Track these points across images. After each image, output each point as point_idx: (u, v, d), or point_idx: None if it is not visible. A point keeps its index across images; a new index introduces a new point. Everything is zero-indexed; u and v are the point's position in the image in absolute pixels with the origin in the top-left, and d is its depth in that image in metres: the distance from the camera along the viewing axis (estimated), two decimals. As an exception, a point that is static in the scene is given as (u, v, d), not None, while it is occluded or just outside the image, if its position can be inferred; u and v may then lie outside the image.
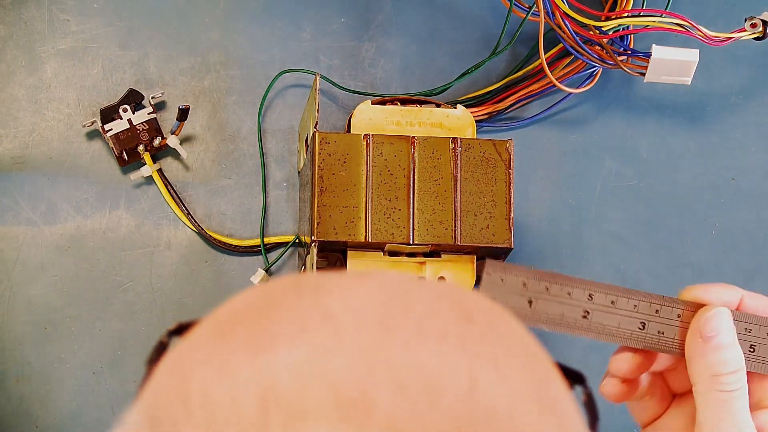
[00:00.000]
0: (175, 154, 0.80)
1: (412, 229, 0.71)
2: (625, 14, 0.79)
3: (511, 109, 0.82)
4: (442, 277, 0.72)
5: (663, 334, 0.54)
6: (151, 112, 0.80)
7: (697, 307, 0.54)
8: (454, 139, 0.72)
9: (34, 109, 0.80)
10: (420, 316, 0.35)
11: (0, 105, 0.80)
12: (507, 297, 0.53)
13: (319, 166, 0.71)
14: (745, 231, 0.82)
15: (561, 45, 0.80)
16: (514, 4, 0.80)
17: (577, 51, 0.78)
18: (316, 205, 0.70)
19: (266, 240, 0.80)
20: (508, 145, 0.73)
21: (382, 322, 0.34)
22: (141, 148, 0.79)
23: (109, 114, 0.79)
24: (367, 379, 0.32)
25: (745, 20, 0.78)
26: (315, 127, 0.72)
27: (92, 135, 0.81)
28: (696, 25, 0.76)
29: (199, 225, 0.80)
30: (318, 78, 0.73)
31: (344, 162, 0.71)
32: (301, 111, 0.81)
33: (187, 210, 0.80)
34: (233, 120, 0.81)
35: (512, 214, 0.72)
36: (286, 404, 0.32)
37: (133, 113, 0.79)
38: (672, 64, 0.77)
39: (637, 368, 0.55)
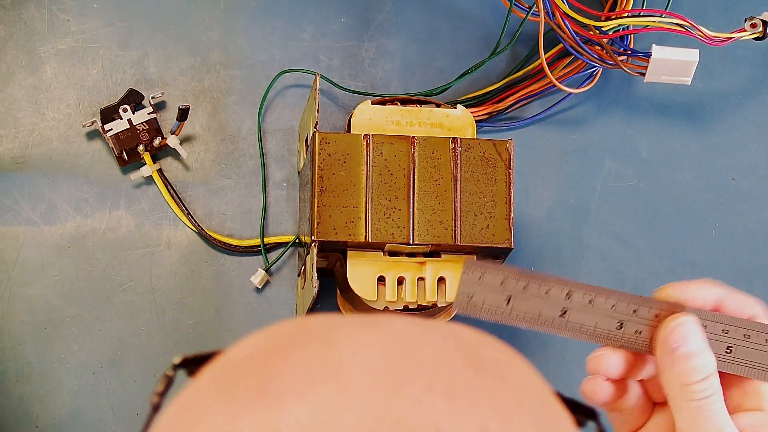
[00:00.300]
0: (175, 154, 0.80)
1: (412, 229, 0.71)
2: (625, 14, 0.79)
3: (511, 109, 0.82)
4: (442, 278, 0.72)
5: (640, 333, 0.54)
6: (151, 112, 0.80)
7: (674, 306, 0.54)
8: (454, 139, 0.72)
9: (34, 109, 0.80)
10: (429, 369, 0.34)
11: (0, 105, 0.80)
12: (485, 294, 0.53)
13: (319, 166, 0.71)
14: (745, 231, 0.82)
15: (561, 45, 0.80)
16: (514, 4, 0.80)
17: (577, 51, 0.78)
18: (316, 205, 0.70)
19: (266, 240, 0.80)
20: (508, 145, 0.73)
21: (390, 377, 0.33)
22: (141, 148, 0.79)
23: (109, 114, 0.79)
24: None
25: (745, 20, 0.78)
26: (315, 127, 0.72)
27: (92, 135, 0.81)
28: (696, 25, 0.76)
29: (199, 225, 0.80)
30: (318, 78, 0.73)
31: (344, 162, 0.71)
32: (301, 111, 0.81)
33: (187, 210, 0.80)
34: (233, 120, 0.81)
35: (512, 214, 0.72)
36: None
37: (133, 113, 0.79)
38: (672, 64, 0.77)
39: (627, 369, 0.55)
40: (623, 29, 0.79)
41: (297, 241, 0.80)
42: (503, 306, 0.53)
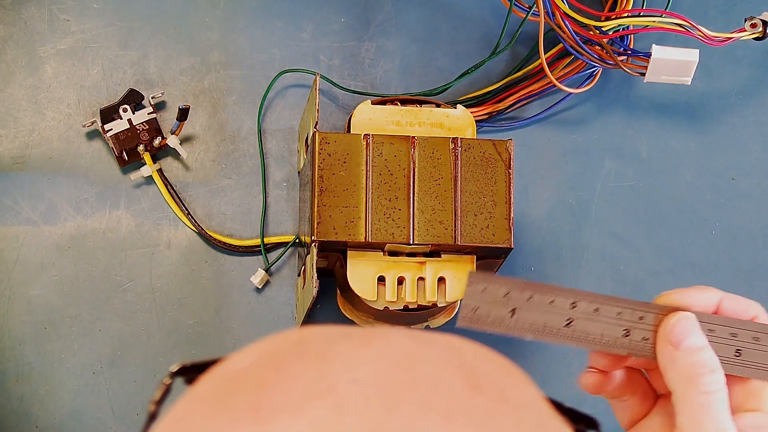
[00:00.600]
0: (175, 154, 0.80)
1: (412, 229, 0.71)
2: (625, 14, 0.79)
3: (511, 109, 0.82)
4: (442, 278, 0.72)
5: (648, 340, 0.54)
6: (151, 112, 0.80)
7: (675, 311, 0.54)
8: (454, 139, 0.72)
9: (34, 109, 0.80)
10: (426, 387, 0.34)
11: (0, 105, 0.80)
12: (489, 307, 0.53)
13: (319, 166, 0.71)
14: (745, 231, 0.82)
15: (561, 45, 0.80)
16: (514, 4, 0.80)
17: (577, 51, 0.78)
18: (316, 205, 0.70)
19: (266, 240, 0.80)
20: (508, 145, 0.73)
21: (386, 396, 0.33)
22: (141, 148, 0.79)
23: (109, 114, 0.79)
24: None
25: (745, 20, 0.78)
26: (315, 127, 0.72)
27: (92, 135, 0.81)
28: (696, 25, 0.76)
29: (199, 225, 0.80)
30: (318, 78, 0.73)
31: (344, 162, 0.71)
32: (301, 111, 0.81)
33: (187, 210, 0.80)
34: (233, 120, 0.81)
35: (512, 214, 0.72)
36: None
37: (133, 113, 0.79)
38: (672, 64, 0.77)
39: (613, 362, 0.55)
40: (623, 29, 0.79)
41: (297, 241, 0.80)
42: (508, 318, 0.53)
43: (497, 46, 0.82)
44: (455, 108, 0.75)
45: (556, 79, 0.80)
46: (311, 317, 0.78)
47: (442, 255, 0.72)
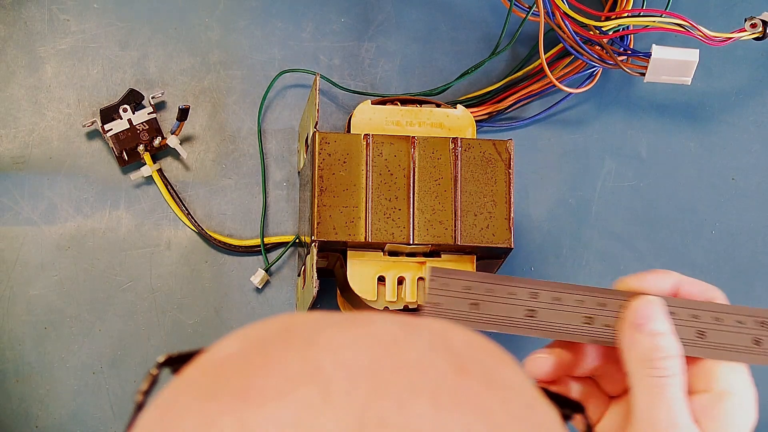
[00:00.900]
0: (175, 154, 0.80)
1: (412, 229, 0.71)
2: (625, 14, 0.79)
3: (511, 109, 0.82)
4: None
5: (609, 327, 0.54)
6: (151, 112, 0.80)
7: (637, 296, 0.54)
8: (454, 139, 0.72)
9: (34, 109, 0.80)
10: (412, 370, 0.34)
11: (0, 105, 0.80)
12: (452, 302, 0.53)
13: (319, 166, 0.71)
14: (745, 231, 0.82)
15: (561, 45, 0.80)
16: (514, 4, 0.80)
17: (577, 51, 0.78)
18: (316, 205, 0.70)
19: (266, 240, 0.80)
20: (508, 145, 0.73)
21: (372, 379, 0.33)
22: (141, 148, 0.79)
23: (109, 114, 0.79)
24: None
25: (745, 20, 0.78)
26: (315, 127, 0.72)
27: (92, 135, 0.81)
28: (696, 25, 0.76)
29: (199, 225, 0.80)
30: (318, 78, 0.73)
31: (344, 162, 0.71)
32: (301, 111, 0.82)
33: (187, 210, 0.80)
34: (233, 120, 0.81)
35: (512, 214, 0.72)
36: None
37: (133, 113, 0.79)
38: (672, 64, 0.77)
39: (556, 369, 0.55)
40: (623, 29, 0.79)
41: (297, 241, 0.80)
42: (470, 311, 0.53)
43: (497, 46, 0.82)
44: (455, 108, 0.75)
45: (556, 79, 0.80)
46: (311, 317, 0.78)
47: (442, 255, 0.72)
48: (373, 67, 0.83)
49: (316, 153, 0.71)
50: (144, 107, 0.80)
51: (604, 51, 0.78)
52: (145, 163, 0.79)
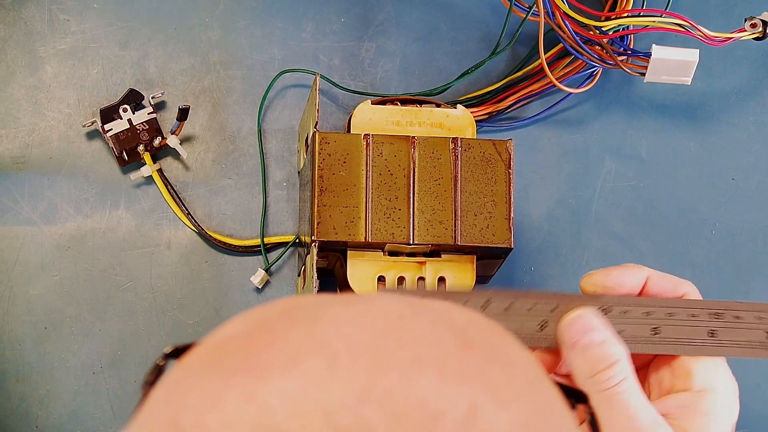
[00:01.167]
0: (175, 154, 0.80)
1: (412, 229, 0.71)
2: (625, 14, 0.79)
3: (511, 109, 0.82)
4: (442, 278, 0.72)
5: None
6: (151, 112, 0.80)
7: (592, 300, 0.54)
8: (454, 139, 0.72)
9: (34, 109, 0.80)
10: (417, 343, 0.34)
11: (0, 105, 0.80)
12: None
13: (319, 166, 0.71)
14: (745, 231, 0.82)
15: (561, 45, 0.80)
16: (514, 4, 0.80)
17: (577, 51, 0.78)
18: (316, 205, 0.70)
19: (266, 240, 0.80)
20: (508, 145, 0.73)
21: (377, 351, 0.33)
22: (141, 148, 0.79)
23: (109, 114, 0.79)
24: (364, 409, 0.31)
25: (745, 20, 0.78)
26: (315, 127, 0.72)
27: (92, 135, 0.81)
28: (696, 25, 0.76)
29: (199, 225, 0.80)
30: (318, 78, 0.73)
31: (344, 162, 0.71)
32: (301, 111, 0.81)
33: (187, 210, 0.80)
34: (233, 120, 0.81)
35: (512, 214, 0.72)
36: None
37: (133, 113, 0.79)
38: (672, 64, 0.77)
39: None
40: (623, 29, 0.79)
41: (297, 241, 0.80)
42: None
43: (497, 46, 0.82)
44: (455, 108, 0.75)
45: (556, 79, 0.80)
46: (311, 317, 0.78)
47: (442, 255, 0.72)
48: (373, 67, 0.83)
49: (316, 153, 0.71)
50: (144, 107, 0.80)
51: (604, 51, 0.78)
52: (145, 163, 0.79)
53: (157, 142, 0.79)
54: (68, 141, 0.80)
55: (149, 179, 0.80)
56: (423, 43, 0.83)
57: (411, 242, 0.71)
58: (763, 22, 0.77)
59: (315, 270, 0.70)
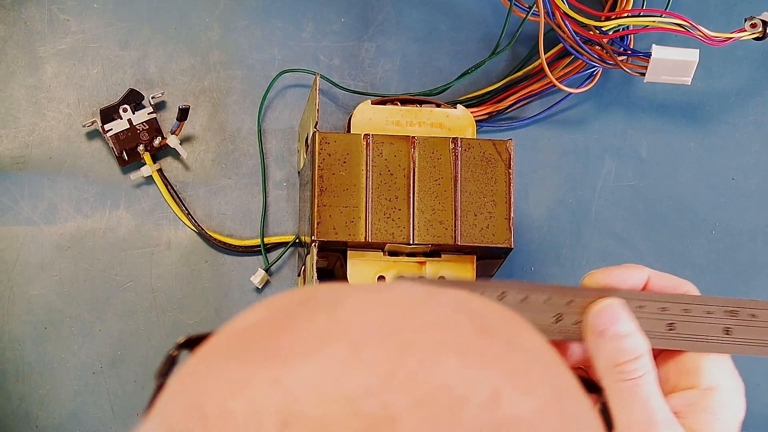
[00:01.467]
0: (175, 154, 0.80)
1: (412, 229, 0.71)
2: (625, 14, 0.79)
3: (511, 109, 0.82)
4: (442, 277, 0.72)
5: (579, 324, 0.54)
6: (151, 112, 0.80)
7: (606, 292, 0.54)
8: (454, 139, 0.72)
9: (34, 109, 0.80)
10: (438, 329, 0.34)
11: (0, 105, 0.80)
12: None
13: (319, 166, 0.71)
14: (745, 231, 0.82)
15: (561, 45, 0.80)
16: (514, 4, 0.80)
17: (577, 51, 0.78)
18: (316, 205, 0.70)
19: (266, 240, 0.80)
20: (508, 145, 0.73)
21: (400, 337, 0.33)
22: (141, 148, 0.79)
23: (109, 114, 0.79)
24: (388, 394, 0.31)
25: (745, 20, 0.78)
26: (315, 127, 0.72)
27: (92, 135, 0.81)
28: (696, 25, 0.76)
29: (199, 225, 0.80)
30: (318, 78, 0.73)
31: (344, 162, 0.71)
32: (301, 111, 0.82)
33: (187, 210, 0.80)
34: (233, 120, 0.81)
35: (512, 214, 0.72)
36: (307, 419, 0.31)
37: (133, 113, 0.79)
38: (672, 64, 0.77)
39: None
40: (623, 29, 0.79)
41: (297, 241, 0.80)
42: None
43: (497, 46, 0.82)
44: (455, 108, 0.75)
45: (556, 79, 0.80)
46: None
47: (442, 255, 0.72)
48: (373, 67, 0.83)
49: (316, 153, 0.71)
50: (144, 107, 0.80)
51: (604, 51, 0.78)
52: (145, 163, 0.79)
53: (157, 142, 0.79)
54: (68, 141, 0.80)
55: (149, 179, 0.80)
56: (423, 43, 0.83)
57: (411, 242, 0.71)
58: (763, 22, 0.77)
59: (315, 270, 0.70)
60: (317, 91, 0.72)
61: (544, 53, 0.79)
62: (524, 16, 0.80)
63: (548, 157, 0.82)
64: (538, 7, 0.77)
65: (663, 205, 0.82)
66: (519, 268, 0.81)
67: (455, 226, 0.71)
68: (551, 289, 0.54)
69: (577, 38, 0.78)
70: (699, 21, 0.76)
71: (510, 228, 0.71)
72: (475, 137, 0.74)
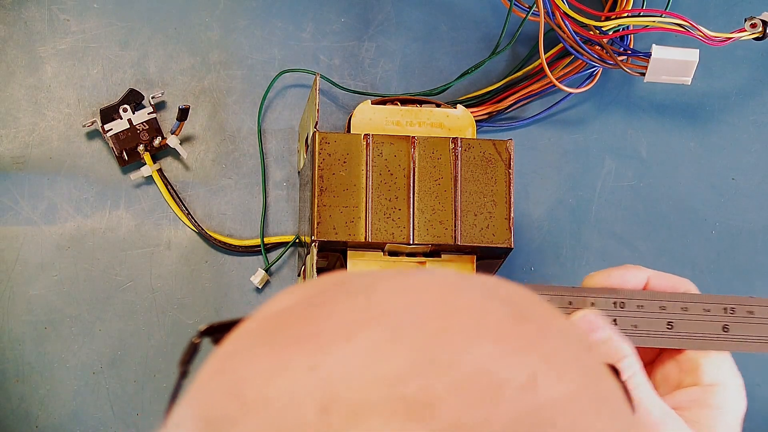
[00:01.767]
0: (175, 154, 0.80)
1: (412, 229, 0.71)
2: (625, 14, 0.79)
3: (511, 109, 0.82)
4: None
5: None
6: (151, 112, 0.80)
7: (607, 292, 0.54)
8: (454, 139, 0.72)
9: (34, 109, 0.80)
10: (474, 313, 0.34)
11: (0, 105, 0.80)
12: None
13: (319, 166, 0.71)
14: (745, 231, 0.82)
15: (561, 45, 0.80)
16: (514, 4, 0.80)
17: (577, 51, 0.78)
18: (316, 205, 0.70)
19: (266, 240, 0.80)
20: (508, 145, 0.73)
21: (437, 321, 0.34)
22: (141, 148, 0.79)
23: (109, 114, 0.79)
24: (428, 377, 0.32)
25: (745, 20, 0.78)
26: (315, 127, 0.72)
27: (92, 135, 0.81)
28: (696, 25, 0.76)
29: (199, 225, 0.80)
30: (318, 78, 0.73)
31: (344, 162, 0.71)
32: (301, 111, 0.82)
33: (187, 210, 0.80)
34: (233, 120, 0.81)
35: (512, 214, 0.72)
36: (346, 403, 0.31)
37: (133, 113, 0.79)
38: (672, 64, 0.77)
39: None
40: (623, 29, 0.79)
41: (297, 241, 0.80)
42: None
43: (497, 46, 0.82)
44: (455, 108, 0.75)
45: (556, 79, 0.80)
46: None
47: (442, 255, 0.72)
48: (373, 67, 0.83)
49: (316, 153, 0.71)
50: (144, 107, 0.80)
51: (604, 51, 0.78)
52: (145, 163, 0.79)
53: (157, 142, 0.79)
54: (68, 141, 0.80)
55: (149, 179, 0.80)
56: (423, 43, 0.83)
57: (411, 242, 0.71)
58: (763, 22, 0.77)
59: (315, 270, 0.70)
60: (317, 91, 0.72)
61: (544, 53, 0.79)
62: (524, 16, 0.80)
63: (548, 157, 0.82)
64: (538, 7, 0.77)
65: (663, 205, 0.82)
66: (519, 268, 0.81)
67: (455, 226, 0.71)
68: (551, 289, 0.54)
69: (577, 38, 0.78)
70: (699, 21, 0.76)
71: (510, 228, 0.71)
72: (475, 137, 0.74)
